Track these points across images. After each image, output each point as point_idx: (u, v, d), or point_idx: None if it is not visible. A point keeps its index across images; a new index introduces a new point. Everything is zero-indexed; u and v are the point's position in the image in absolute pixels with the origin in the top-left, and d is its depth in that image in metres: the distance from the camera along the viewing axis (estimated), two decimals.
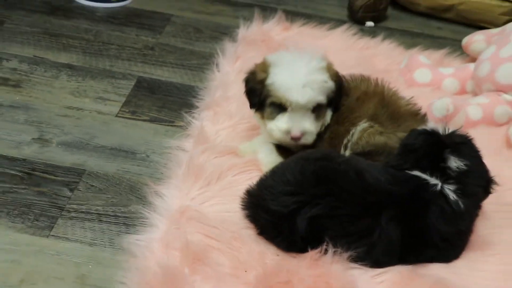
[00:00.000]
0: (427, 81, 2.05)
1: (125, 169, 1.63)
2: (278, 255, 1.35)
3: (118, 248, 1.38)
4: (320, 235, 1.33)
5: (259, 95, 1.55)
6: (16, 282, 1.30)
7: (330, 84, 1.53)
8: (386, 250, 1.34)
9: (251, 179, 1.50)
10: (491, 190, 1.43)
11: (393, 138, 1.52)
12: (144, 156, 1.69)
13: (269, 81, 1.52)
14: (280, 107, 1.52)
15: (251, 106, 1.59)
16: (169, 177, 1.57)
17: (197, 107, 1.86)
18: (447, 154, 1.39)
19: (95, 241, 1.41)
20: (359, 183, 1.35)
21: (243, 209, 1.44)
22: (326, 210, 1.33)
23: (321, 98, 1.52)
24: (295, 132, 1.51)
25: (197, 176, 1.54)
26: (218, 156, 1.62)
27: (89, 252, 1.38)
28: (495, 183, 1.42)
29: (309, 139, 1.54)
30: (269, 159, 1.58)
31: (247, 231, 1.41)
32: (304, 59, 1.53)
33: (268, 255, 1.35)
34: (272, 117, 1.54)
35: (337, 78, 1.56)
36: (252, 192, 1.44)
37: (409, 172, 1.39)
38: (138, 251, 1.33)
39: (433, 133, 1.43)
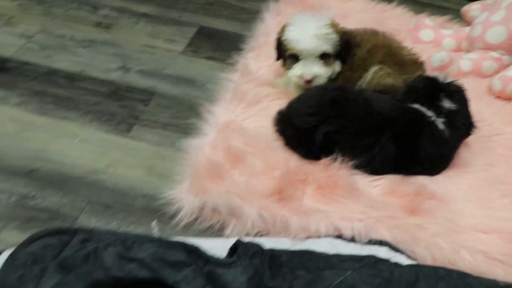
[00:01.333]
0: (429, 40, 2.03)
1: (186, 93, 1.68)
2: (298, 161, 1.39)
3: (177, 149, 1.44)
4: (332, 147, 1.37)
5: (281, 50, 1.57)
6: (103, 166, 1.39)
7: (334, 37, 1.52)
8: (383, 162, 1.37)
9: (281, 104, 1.52)
10: (471, 132, 1.45)
11: (398, 80, 1.53)
12: (201, 84, 1.73)
13: (285, 37, 1.54)
14: (295, 58, 1.54)
15: (276, 58, 1.61)
16: (219, 100, 1.61)
17: (244, 49, 1.88)
18: (442, 97, 1.41)
19: (161, 143, 1.48)
20: (366, 108, 1.38)
21: (274, 125, 1.48)
22: (338, 128, 1.36)
23: (327, 47, 1.51)
24: (307, 76, 1.52)
25: (241, 100, 1.58)
26: (258, 86, 1.65)
27: (156, 150, 1.45)
28: (475, 127, 1.44)
29: (319, 82, 1.54)
30: (295, 90, 1.60)
31: (276, 142, 1.45)
32: (313, 19, 1.53)
33: (291, 160, 1.39)
34: (290, 67, 1.56)
35: (342, 34, 1.55)
36: (282, 112, 1.47)
37: (410, 105, 1.42)
38: (192, 151, 1.39)
39: (433, 80, 1.44)
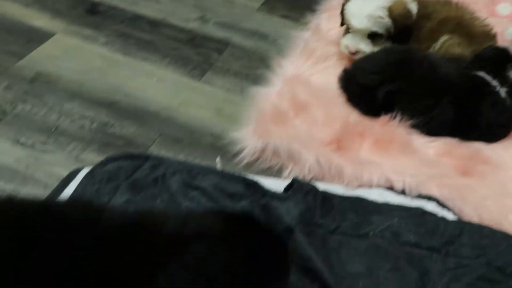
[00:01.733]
0: (506, 14, 1.98)
1: (258, 46, 1.75)
2: (358, 116, 1.43)
3: (245, 96, 1.52)
4: (392, 106, 1.40)
5: (342, 17, 1.60)
6: (176, 105, 1.49)
7: (387, 21, 1.51)
8: (440, 125, 1.39)
9: (346, 64, 1.56)
10: None
11: (467, 51, 1.52)
12: (273, 39, 1.78)
13: (345, 8, 1.56)
14: (348, 29, 1.57)
15: (341, 24, 1.63)
16: (289, 55, 1.66)
17: (317, 10, 1.91)
18: (510, 67, 1.40)
19: (231, 89, 1.57)
20: (430, 72, 1.40)
21: (339, 82, 1.51)
22: (400, 88, 1.39)
23: (376, 29, 1.52)
24: (351, 48, 1.55)
25: (309, 56, 1.62)
26: (327, 45, 1.68)
27: (226, 95, 1.54)
28: None
29: (359, 55, 1.56)
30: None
31: (339, 98, 1.49)
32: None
33: (351, 115, 1.43)
34: (344, 35, 1.59)
35: (398, 19, 1.52)
36: (348, 70, 1.51)
37: (475, 72, 1.42)
38: (260, 98, 1.47)
39: (503, 50, 1.44)
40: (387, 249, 1.08)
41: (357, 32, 1.54)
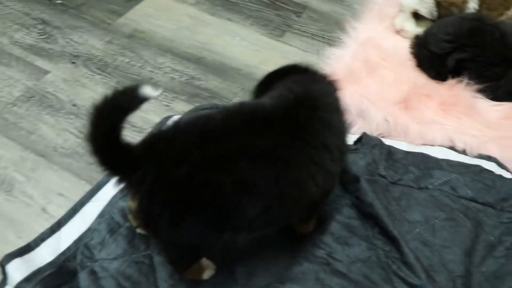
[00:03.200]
0: None
1: (334, 10, 1.78)
2: (426, 80, 1.46)
3: (321, 56, 1.58)
4: (460, 72, 1.41)
5: None
6: (256, 63, 1.58)
7: (430, 3, 1.52)
8: (507, 92, 1.40)
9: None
10: None
11: None
12: (349, 3, 1.80)
13: None
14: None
15: None
16: (363, 18, 1.69)
17: None
18: None
19: (308, 50, 1.63)
20: (501, 41, 1.39)
21: (411, 47, 1.53)
22: (471, 56, 1.40)
23: (418, 8, 1.53)
24: (396, 26, 1.59)
25: (382, 20, 1.64)
26: (399, 11, 1.66)
27: (303, 55, 1.61)
28: None
29: (403, 36, 1.59)
30: None
31: (409, 62, 1.52)
32: None
33: (419, 78, 1.46)
34: None
35: (443, 4, 1.52)
36: (420, 36, 1.52)
37: None
38: (333, 59, 1.53)
39: None
40: (444, 201, 1.14)
41: (404, 11, 1.57)
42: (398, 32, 1.60)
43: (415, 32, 1.56)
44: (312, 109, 0.89)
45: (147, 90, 0.80)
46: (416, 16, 1.57)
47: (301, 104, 0.89)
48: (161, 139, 0.85)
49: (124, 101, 0.80)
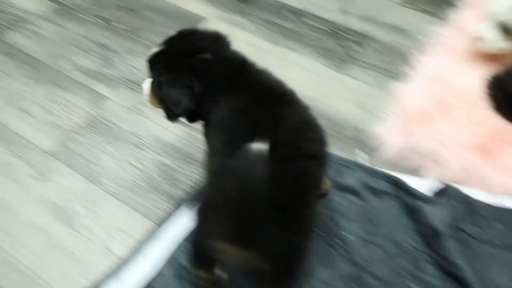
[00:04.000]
0: None
1: (397, 41, 1.69)
2: (503, 122, 1.35)
3: (386, 91, 1.49)
4: None
5: None
6: (316, 95, 1.50)
7: None
8: None
9: (489, 64, 1.47)
10: None
11: None
12: (412, 34, 1.70)
13: None
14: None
15: None
16: (429, 51, 1.59)
17: (457, 5, 1.81)
18: None
19: (371, 83, 1.54)
20: None
21: (487, 88, 1.41)
22: None
23: (509, 19, 1.37)
24: (474, 32, 1.45)
25: (449, 53, 1.54)
26: (468, 44, 1.55)
27: (366, 88, 1.52)
28: None
29: (478, 45, 1.45)
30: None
31: (482, 101, 1.40)
32: None
33: (496, 120, 1.35)
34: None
35: None
36: (498, 76, 1.40)
37: None
38: (401, 95, 1.44)
39: None
40: None
41: (491, 19, 1.41)
42: (474, 40, 1.46)
43: (496, 44, 1.42)
44: None
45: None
46: (504, 29, 1.40)
47: None
48: None
49: None
